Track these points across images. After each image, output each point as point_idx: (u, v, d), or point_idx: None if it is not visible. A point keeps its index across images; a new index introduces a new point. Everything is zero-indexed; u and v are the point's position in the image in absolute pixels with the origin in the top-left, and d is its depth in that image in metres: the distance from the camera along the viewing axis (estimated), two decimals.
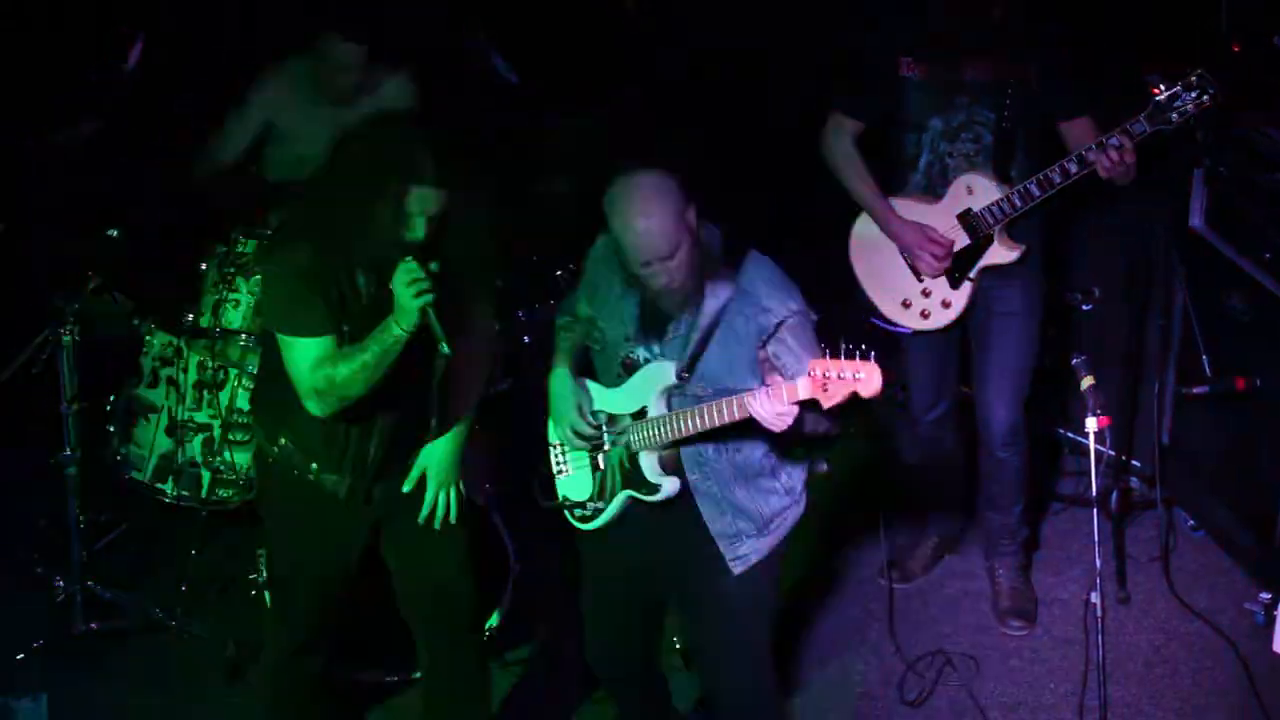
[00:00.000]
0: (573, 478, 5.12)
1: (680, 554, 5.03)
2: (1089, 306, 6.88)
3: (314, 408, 4.78)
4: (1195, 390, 6.47)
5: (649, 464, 4.94)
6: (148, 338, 6.47)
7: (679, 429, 4.81)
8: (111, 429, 6.53)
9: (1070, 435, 7.15)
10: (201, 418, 6.43)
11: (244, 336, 6.30)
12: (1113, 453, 6.61)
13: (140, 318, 6.52)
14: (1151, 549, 6.65)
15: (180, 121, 7.15)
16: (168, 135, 7.17)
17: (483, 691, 5.47)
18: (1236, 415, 6.38)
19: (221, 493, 6.46)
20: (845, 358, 4.46)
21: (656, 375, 4.87)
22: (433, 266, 4.66)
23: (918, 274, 5.97)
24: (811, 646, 6.24)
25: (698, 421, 4.75)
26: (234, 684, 6.07)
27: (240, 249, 6.36)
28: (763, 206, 7.63)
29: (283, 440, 5.01)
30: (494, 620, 5.99)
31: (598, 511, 5.06)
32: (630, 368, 4.92)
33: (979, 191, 5.85)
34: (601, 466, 5.03)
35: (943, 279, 5.96)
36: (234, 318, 6.33)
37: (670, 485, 4.94)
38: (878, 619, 6.36)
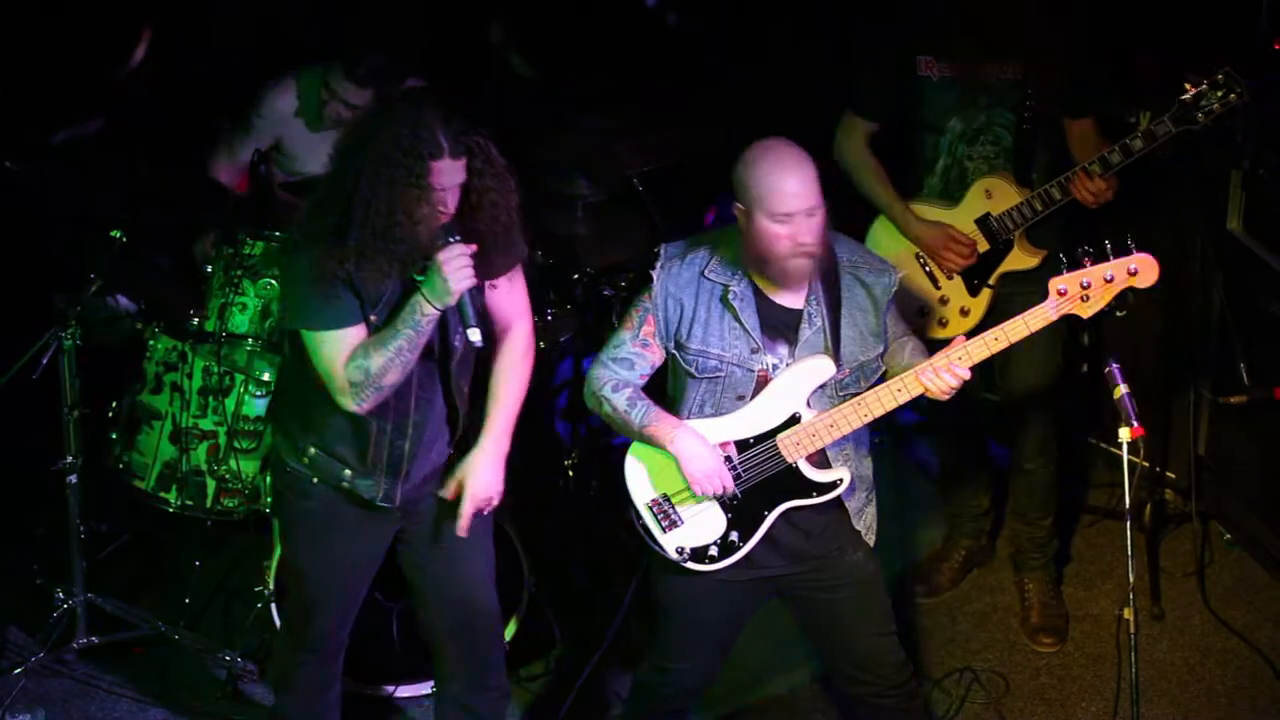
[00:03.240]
0: (689, 525, 5.03)
1: (818, 540, 5.05)
2: (1122, 313, 6.87)
3: (349, 403, 4.83)
4: (1232, 399, 6.47)
5: (809, 466, 4.95)
6: (151, 342, 6.44)
7: (862, 415, 4.87)
8: (114, 436, 6.49)
9: (1103, 445, 7.16)
10: (206, 425, 6.39)
11: (251, 341, 6.30)
12: (1147, 464, 6.61)
13: (144, 321, 6.50)
14: (1186, 563, 6.68)
15: (187, 121, 7.16)
16: (175, 134, 7.18)
17: (500, 710, 5.46)
18: (1275, 425, 6.38)
19: (226, 502, 6.41)
20: (1091, 261, 4.74)
21: (807, 375, 4.89)
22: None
23: (935, 281, 5.99)
24: None
25: (900, 394, 4.85)
26: (239, 699, 6.09)
27: (247, 251, 6.34)
28: None
29: (311, 450, 5.04)
30: (508, 634, 5.99)
31: (733, 543, 5.00)
32: (762, 382, 4.92)
33: (998, 195, 5.87)
34: (738, 495, 4.97)
35: (960, 286, 5.97)
36: (240, 321, 6.30)
37: (846, 474, 4.97)
38: (903, 635, 6.36)
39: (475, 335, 4.78)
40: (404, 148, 4.65)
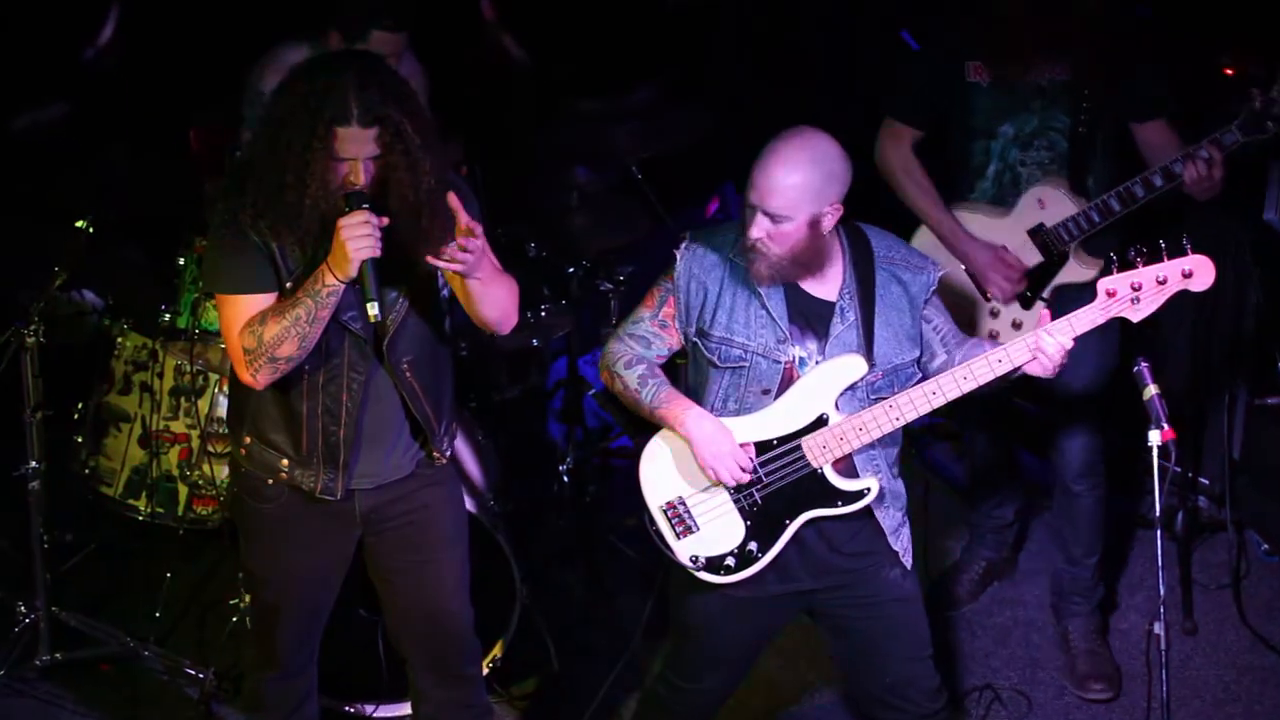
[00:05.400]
0: (706, 532, 4.95)
1: (849, 554, 4.97)
2: None
3: (244, 373, 4.76)
4: (1268, 401, 6.41)
5: (835, 473, 4.88)
6: (119, 339, 6.45)
7: (894, 418, 4.81)
8: (79, 440, 6.51)
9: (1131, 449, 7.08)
10: (178, 427, 6.40)
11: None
12: (1178, 469, 6.56)
13: (111, 317, 6.49)
14: (1221, 574, 6.65)
15: (161, 104, 7.11)
16: (144, 119, 7.13)
17: None
18: None
19: (199, 509, 6.44)
20: (1144, 261, 4.70)
21: (837, 374, 4.83)
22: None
23: (984, 293, 5.87)
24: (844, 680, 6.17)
25: (934, 396, 4.79)
26: (212, 718, 6.03)
27: None
28: None
29: (248, 440, 4.98)
30: (498, 651, 5.96)
31: (751, 554, 4.92)
32: (789, 376, 4.86)
33: (1052, 205, 5.75)
34: (759, 501, 4.90)
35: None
36: (214, 318, 6.27)
37: (874, 484, 4.88)
38: None
39: (373, 309, 4.62)
40: (310, 108, 4.57)
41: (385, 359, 4.86)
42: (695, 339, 4.93)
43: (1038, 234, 5.79)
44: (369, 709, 5.93)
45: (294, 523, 5.02)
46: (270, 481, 4.97)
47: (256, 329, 4.69)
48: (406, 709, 5.80)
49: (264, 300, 4.73)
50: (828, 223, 4.75)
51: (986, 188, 5.87)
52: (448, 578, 5.17)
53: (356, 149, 4.59)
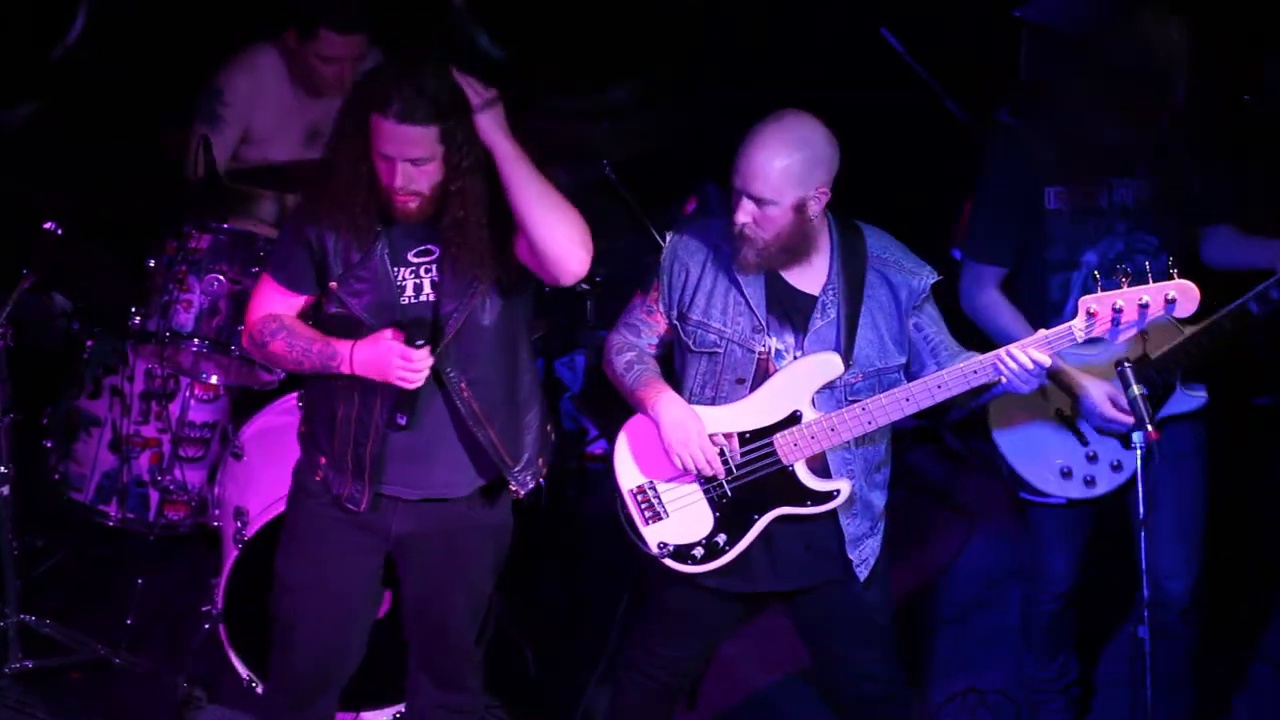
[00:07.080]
0: (674, 520, 5.00)
1: (802, 567, 5.02)
2: None
3: (246, 341, 4.98)
4: (1256, 400, 6.42)
5: (807, 471, 4.91)
6: (89, 343, 6.45)
7: (866, 421, 4.85)
8: (49, 444, 6.51)
9: None
10: (149, 432, 6.40)
11: (196, 341, 6.23)
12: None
13: (81, 320, 6.51)
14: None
15: (132, 105, 7.11)
16: (114, 119, 7.12)
17: None
18: None
19: (171, 515, 6.43)
20: (1132, 282, 4.69)
21: (812, 372, 4.87)
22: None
23: (1081, 438, 5.55)
24: None
25: (907, 403, 4.83)
26: None
27: (193, 244, 6.27)
28: None
29: (303, 429, 5.08)
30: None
31: (718, 545, 4.96)
32: (763, 367, 4.91)
33: (1154, 333, 5.34)
34: (729, 493, 4.95)
35: (1112, 439, 5.52)
36: (185, 320, 6.24)
37: (845, 487, 4.91)
38: (907, 656, 6.30)
39: (402, 422, 4.82)
40: (357, 98, 4.65)
41: (438, 374, 4.86)
42: (676, 322, 4.99)
43: (1142, 364, 5.34)
44: (348, 717, 5.86)
45: (328, 527, 5.00)
46: (318, 478, 5.00)
47: (266, 337, 4.86)
48: (390, 714, 5.88)
49: (294, 299, 4.89)
50: (814, 207, 4.79)
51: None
52: (468, 606, 5.17)
53: (399, 147, 4.59)
